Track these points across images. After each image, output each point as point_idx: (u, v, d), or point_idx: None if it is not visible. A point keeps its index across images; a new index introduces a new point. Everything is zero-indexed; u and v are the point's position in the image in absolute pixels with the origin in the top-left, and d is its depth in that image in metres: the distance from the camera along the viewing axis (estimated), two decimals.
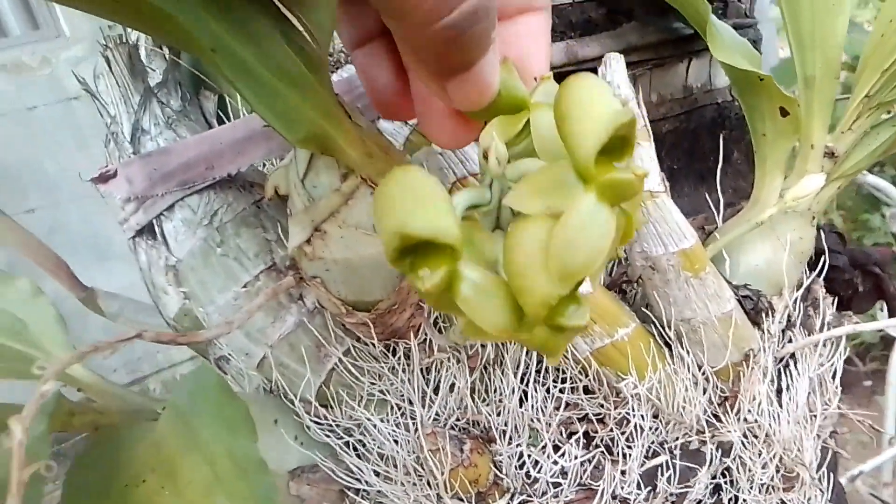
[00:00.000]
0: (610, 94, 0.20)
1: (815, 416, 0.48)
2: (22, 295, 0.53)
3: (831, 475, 0.50)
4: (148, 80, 0.48)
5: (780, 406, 0.45)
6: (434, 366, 0.46)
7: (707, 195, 0.49)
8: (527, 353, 0.45)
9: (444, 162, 0.43)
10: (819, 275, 0.50)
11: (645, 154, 0.40)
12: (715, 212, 0.48)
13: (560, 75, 0.23)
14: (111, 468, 0.31)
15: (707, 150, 0.52)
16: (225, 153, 0.45)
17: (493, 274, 0.22)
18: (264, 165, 0.54)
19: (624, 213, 0.22)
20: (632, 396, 0.43)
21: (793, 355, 0.48)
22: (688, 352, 0.43)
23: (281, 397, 0.48)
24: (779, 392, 0.46)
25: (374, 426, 0.45)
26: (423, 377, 0.46)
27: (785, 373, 0.46)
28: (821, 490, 0.49)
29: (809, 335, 0.48)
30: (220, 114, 0.55)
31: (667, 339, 0.44)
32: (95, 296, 0.67)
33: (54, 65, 1.91)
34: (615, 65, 0.40)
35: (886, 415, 1.11)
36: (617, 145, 0.20)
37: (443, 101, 0.27)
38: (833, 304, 0.52)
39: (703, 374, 0.44)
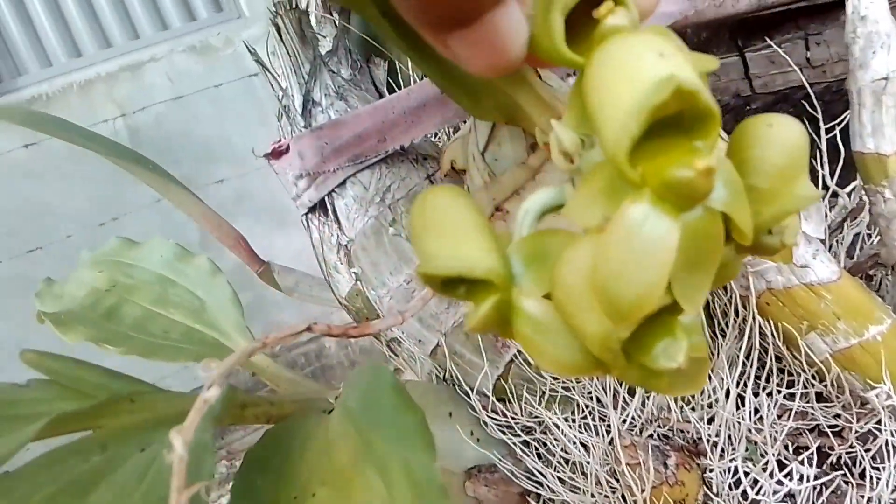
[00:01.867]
0: (656, 52, 0.13)
1: None
2: (201, 273, 0.53)
3: None
4: (318, 47, 0.46)
5: None
6: None
7: None
8: (747, 352, 0.38)
9: None
10: None
11: None
12: None
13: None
14: (281, 473, 0.29)
15: None
16: (398, 123, 0.41)
17: None
18: (436, 135, 0.50)
19: (713, 216, 0.14)
20: (883, 409, 0.35)
21: None
22: None
23: (455, 388, 0.45)
24: None
25: (558, 427, 0.40)
26: None
27: None
28: None
29: None
30: (391, 81, 0.52)
31: None
32: (272, 270, 0.68)
33: (236, 44, 2.04)
34: None
35: None
36: (683, 121, 0.13)
37: (448, 56, 0.19)
38: None
39: None
